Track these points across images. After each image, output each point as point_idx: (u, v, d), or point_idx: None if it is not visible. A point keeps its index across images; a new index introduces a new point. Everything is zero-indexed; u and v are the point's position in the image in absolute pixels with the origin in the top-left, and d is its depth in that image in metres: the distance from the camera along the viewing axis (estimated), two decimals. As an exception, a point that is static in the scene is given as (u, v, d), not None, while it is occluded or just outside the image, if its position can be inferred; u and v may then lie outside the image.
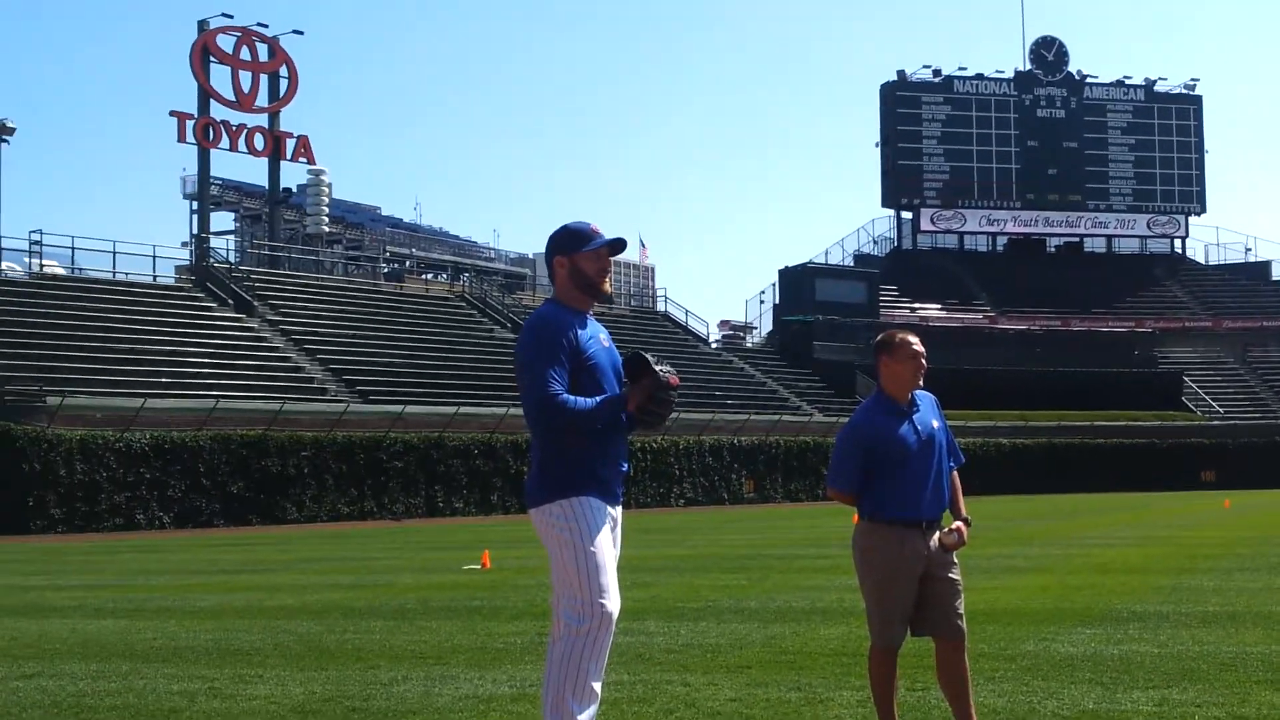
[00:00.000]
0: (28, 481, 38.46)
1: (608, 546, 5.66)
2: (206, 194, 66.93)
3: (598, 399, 5.59)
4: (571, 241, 5.79)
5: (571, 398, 5.54)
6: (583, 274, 5.76)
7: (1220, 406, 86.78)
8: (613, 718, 7.29)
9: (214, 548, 29.11)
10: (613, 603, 5.60)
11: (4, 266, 54.84)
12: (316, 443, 45.69)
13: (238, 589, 17.21)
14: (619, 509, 5.83)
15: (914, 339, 6.55)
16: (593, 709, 5.56)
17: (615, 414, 5.63)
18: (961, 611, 6.44)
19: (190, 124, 62.69)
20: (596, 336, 5.78)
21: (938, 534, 6.43)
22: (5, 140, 56.23)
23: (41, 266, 54.96)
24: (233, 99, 64.37)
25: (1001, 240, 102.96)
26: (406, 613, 13.55)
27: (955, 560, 6.50)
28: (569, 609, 5.58)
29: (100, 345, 48.35)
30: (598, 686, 5.58)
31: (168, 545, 30.87)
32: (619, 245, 5.80)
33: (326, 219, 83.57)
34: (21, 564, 24.31)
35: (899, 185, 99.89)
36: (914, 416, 6.44)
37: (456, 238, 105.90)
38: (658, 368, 5.71)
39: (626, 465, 5.86)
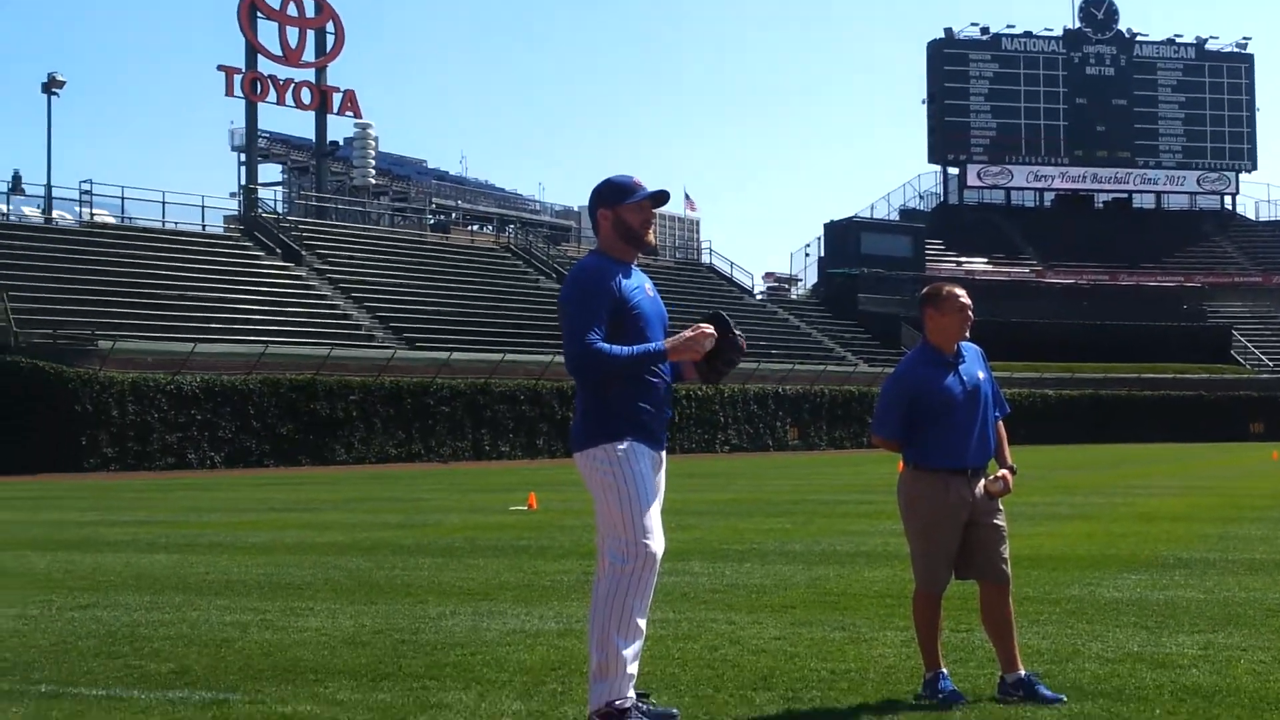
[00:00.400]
0: (81, 421, 38.94)
1: (651, 489, 5.71)
2: (254, 147, 67.16)
3: (635, 349, 5.63)
4: (615, 194, 5.83)
5: (609, 347, 5.59)
6: (627, 225, 5.79)
7: (1270, 360, 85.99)
8: (658, 653, 7.37)
9: (264, 487, 29.42)
10: (657, 543, 5.65)
11: (56, 215, 55.33)
12: (364, 387, 46.02)
13: (288, 526, 17.42)
14: (663, 453, 5.88)
15: (961, 292, 6.56)
16: (638, 644, 5.62)
17: (653, 364, 5.69)
18: (1006, 556, 6.48)
19: (238, 78, 62.87)
20: (642, 286, 5.83)
21: (983, 481, 6.47)
22: (56, 93, 56.51)
23: (92, 215, 55.38)
24: (279, 54, 64.45)
25: (1049, 196, 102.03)
26: (454, 551, 13.69)
27: (1000, 507, 6.54)
28: (614, 549, 5.64)
29: (150, 292, 48.73)
30: (643, 623, 5.64)
31: (219, 484, 31.23)
32: (662, 197, 5.84)
33: (373, 171, 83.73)
34: (76, 500, 24.67)
35: (945, 141, 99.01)
36: (960, 367, 6.47)
37: (502, 190, 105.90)
38: (735, 332, 5.81)
39: (670, 411, 5.91)
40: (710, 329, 5.77)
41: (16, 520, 19.56)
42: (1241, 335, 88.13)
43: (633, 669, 5.58)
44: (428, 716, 5.97)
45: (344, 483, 31.74)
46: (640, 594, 5.60)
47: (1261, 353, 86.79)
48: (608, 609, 5.58)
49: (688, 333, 5.75)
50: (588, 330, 5.58)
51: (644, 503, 5.64)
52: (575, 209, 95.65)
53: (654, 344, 5.70)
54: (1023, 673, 6.30)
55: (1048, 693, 6.19)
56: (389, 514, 19.95)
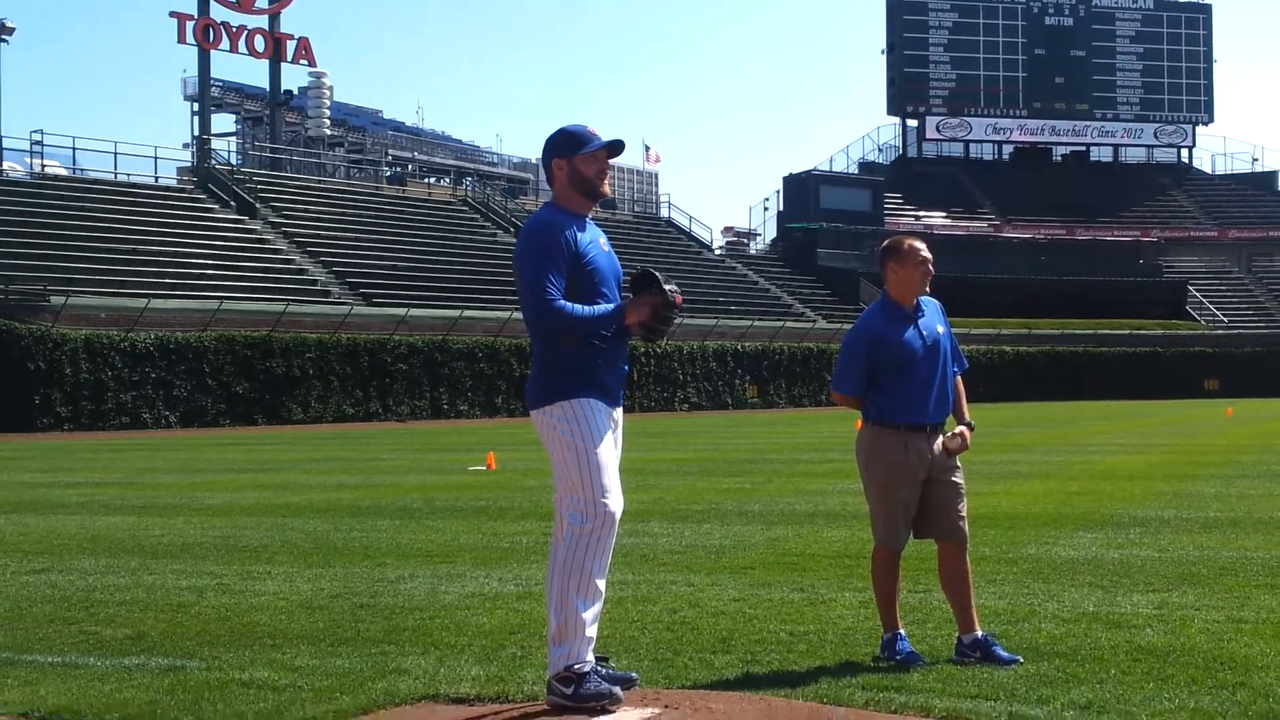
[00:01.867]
0: (33, 380, 38.59)
1: (609, 447, 5.66)
2: (207, 96, 66.49)
3: (595, 309, 5.58)
4: (570, 144, 5.74)
5: (569, 305, 5.53)
6: (581, 176, 5.71)
7: (1225, 316, 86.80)
8: (618, 616, 7.36)
9: (220, 447, 29.28)
10: (615, 502, 5.61)
11: (5, 166, 54.67)
12: (321, 344, 45.79)
13: (245, 487, 17.34)
14: (620, 411, 5.83)
15: (922, 245, 6.55)
16: (597, 606, 5.60)
17: (611, 326, 5.63)
18: (964, 514, 6.49)
19: (190, 25, 62.15)
20: (596, 240, 5.75)
21: (941, 438, 6.47)
22: (5, 40, 55.76)
23: (43, 167, 54.80)
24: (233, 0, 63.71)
25: (1007, 149, 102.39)
26: (413, 512, 13.66)
27: (958, 464, 6.54)
28: (572, 509, 5.59)
29: (103, 246, 48.29)
30: (602, 584, 5.61)
31: (174, 444, 31.06)
32: (617, 147, 5.75)
33: (328, 122, 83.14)
34: (29, 461, 24.48)
35: (904, 93, 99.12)
36: (919, 321, 6.46)
37: (459, 142, 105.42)
38: (666, 286, 5.71)
39: (627, 367, 5.86)
40: (651, 297, 5.69)
41: (-31, 481, 19.36)
42: (1197, 290, 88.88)
43: (591, 631, 5.55)
44: (386, 682, 5.94)
45: (301, 442, 31.62)
46: (599, 555, 5.57)
47: (1217, 308, 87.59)
48: (566, 570, 5.54)
49: (641, 310, 5.67)
50: (546, 287, 5.51)
51: (602, 461, 5.58)
52: (533, 161, 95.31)
53: (613, 306, 5.64)
54: (979, 633, 6.32)
55: (1004, 653, 6.22)
56: (346, 475, 19.88)
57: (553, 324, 5.53)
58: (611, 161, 5.88)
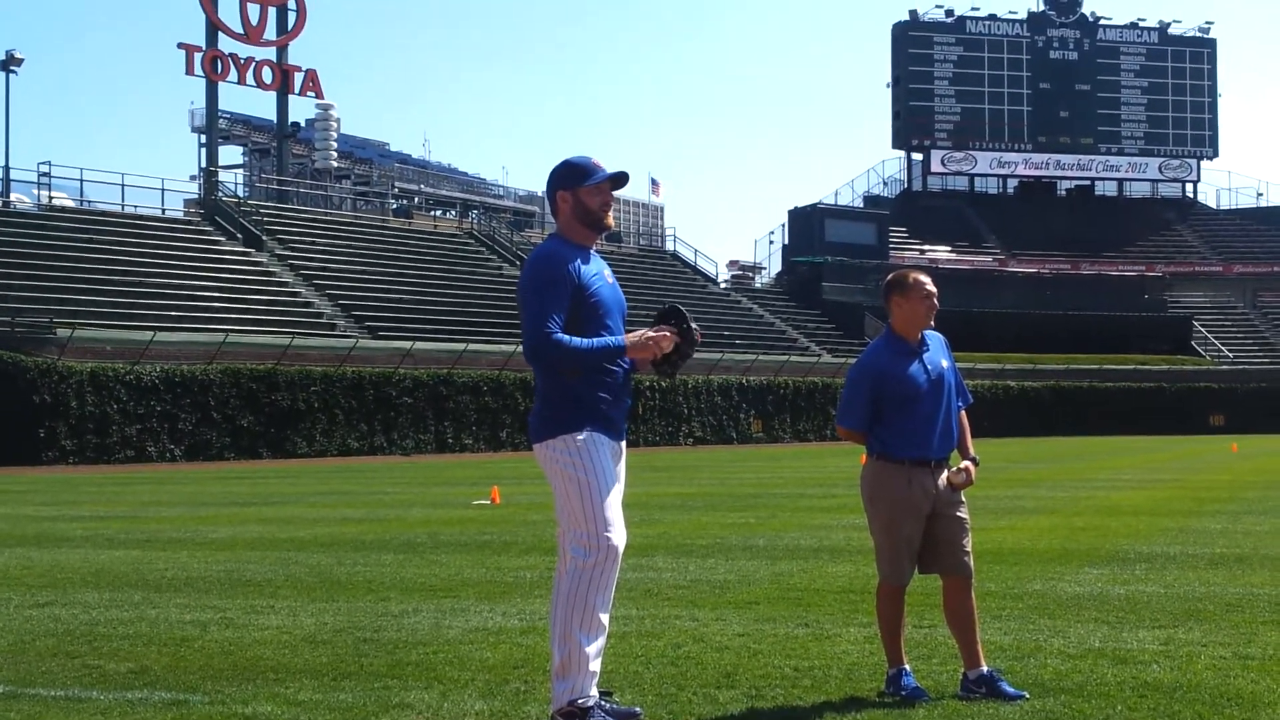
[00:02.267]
0: (39, 413, 38.58)
1: (612, 480, 5.65)
2: (215, 127, 66.71)
3: (595, 342, 5.57)
4: (574, 176, 5.76)
5: (568, 339, 5.53)
6: (585, 208, 5.73)
7: (1230, 351, 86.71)
8: (622, 651, 7.35)
9: (225, 480, 29.26)
10: (618, 536, 5.60)
11: (13, 198, 54.83)
12: (326, 378, 45.80)
13: (249, 521, 17.32)
14: (623, 444, 5.83)
15: (926, 279, 6.56)
16: (600, 641, 5.58)
17: (612, 359, 5.63)
18: (969, 549, 6.48)
19: (198, 56, 62.39)
20: (600, 273, 5.76)
21: (946, 473, 6.46)
22: (14, 71, 55.99)
23: (50, 198, 54.91)
24: (241, 31, 63.99)
25: (1012, 183, 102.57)
26: (417, 546, 13.64)
27: (963, 499, 6.54)
28: (574, 543, 5.59)
29: (109, 278, 48.39)
30: (605, 619, 5.60)
31: (179, 477, 31.04)
32: (621, 179, 5.79)
33: (335, 154, 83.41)
34: (34, 494, 24.47)
35: (909, 126, 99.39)
36: (924, 356, 6.46)
37: (465, 174, 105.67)
38: (690, 325, 5.76)
39: (630, 400, 5.86)
40: (669, 334, 5.72)
41: (-26, 513, 19.34)
42: (1202, 325, 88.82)
43: (595, 666, 5.54)
44: (390, 717, 5.93)
45: (305, 476, 31.60)
46: (602, 589, 5.56)
47: (1222, 344, 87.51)
48: (569, 604, 5.53)
49: (648, 333, 5.70)
50: (546, 319, 5.52)
51: (605, 494, 5.58)
52: (539, 194, 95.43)
53: (614, 339, 5.63)
54: (985, 669, 6.31)
55: (1010, 689, 6.20)
56: (350, 508, 19.86)
57: (550, 356, 5.53)
58: (617, 194, 5.91)
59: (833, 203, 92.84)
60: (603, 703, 5.57)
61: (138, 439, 40.74)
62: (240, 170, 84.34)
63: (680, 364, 5.83)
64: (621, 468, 5.80)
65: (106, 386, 40.18)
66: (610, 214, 5.87)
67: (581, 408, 5.62)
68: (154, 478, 31.35)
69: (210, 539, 14.79)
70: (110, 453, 39.90)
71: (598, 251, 5.91)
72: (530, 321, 5.55)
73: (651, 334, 5.68)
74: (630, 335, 5.69)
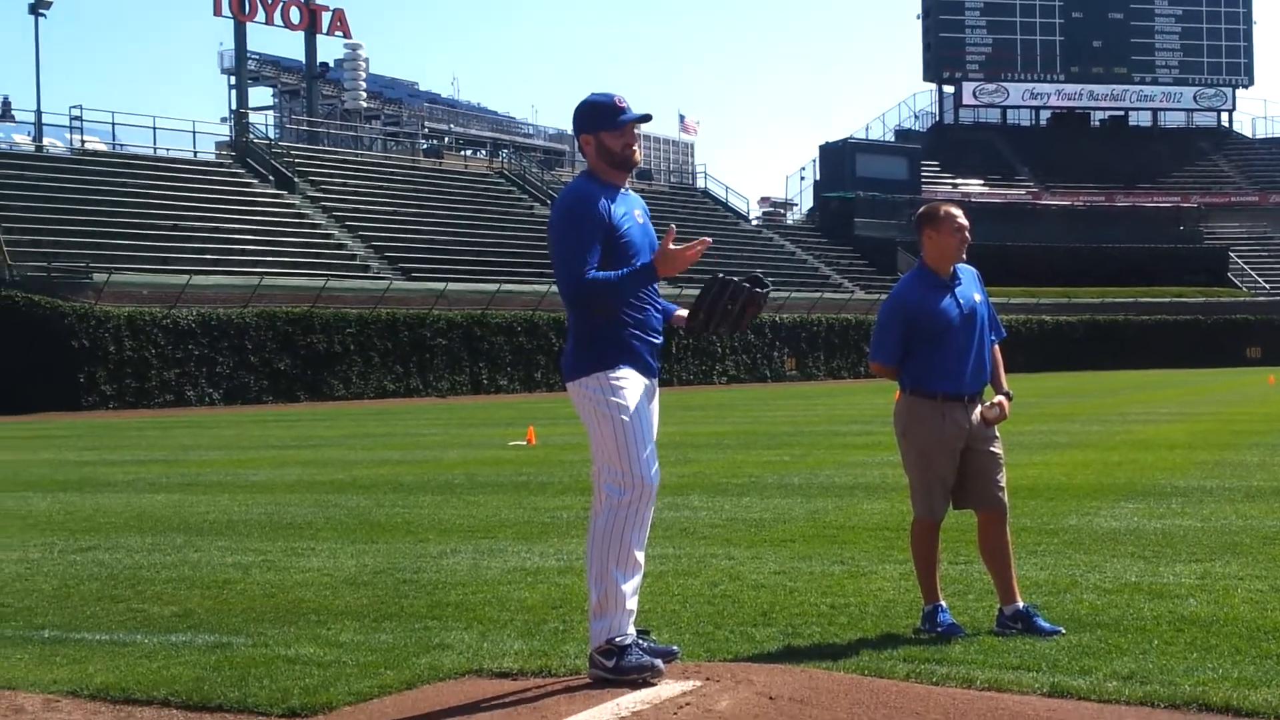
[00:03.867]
0: (77, 358, 38.90)
1: (647, 419, 5.64)
2: (244, 69, 66.70)
3: (624, 271, 5.53)
4: (595, 119, 5.68)
5: (601, 275, 5.51)
6: (610, 151, 5.66)
7: (1266, 282, 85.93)
8: (658, 590, 7.39)
9: (264, 424, 29.46)
10: (653, 474, 5.60)
11: (46, 142, 54.98)
12: (361, 320, 45.98)
13: (288, 464, 17.46)
14: (656, 381, 5.80)
15: (958, 212, 6.52)
16: (637, 579, 5.60)
17: (644, 284, 5.59)
18: (1003, 484, 6.47)
19: (226, -3, 62.25)
20: (631, 213, 5.70)
21: (979, 408, 6.45)
22: (43, 14, 56.04)
23: (83, 143, 55.02)
24: (268, -30, 63.80)
25: (1045, 114, 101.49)
26: (454, 488, 13.73)
27: (997, 434, 6.53)
28: (610, 481, 5.58)
29: (144, 222, 48.56)
30: (641, 557, 5.62)
31: (218, 421, 31.27)
32: (643, 120, 5.70)
33: (364, 94, 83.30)
34: (75, 439, 24.71)
35: (940, 58, 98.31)
36: (956, 290, 6.43)
37: (495, 114, 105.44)
38: (762, 287, 5.64)
39: (661, 339, 5.82)
40: (697, 247, 5.55)
41: (15, 461, 19.59)
42: (1238, 257, 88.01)
43: (632, 604, 5.55)
44: (430, 657, 5.99)
45: (342, 418, 31.80)
46: (638, 527, 5.57)
47: (1258, 274, 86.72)
48: (605, 543, 5.54)
49: (673, 246, 5.54)
50: (579, 259, 5.49)
51: (640, 432, 5.57)
52: (569, 133, 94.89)
53: (636, 268, 5.56)
54: (1021, 604, 6.32)
55: (1046, 625, 6.21)
56: (388, 450, 19.99)
57: (587, 295, 5.51)
58: (648, 132, 5.84)
59: (864, 137, 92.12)
60: (640, 641, 5.61)
61: (176, 383, 41.05)
62: (270, 112, 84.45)
63: (727, 322, 5.68)
64: (655, 405, 5.78)
65: (144, 331, 40.46)
66: (637, 152, 5.80)
67: (613, 345, 5.60)
68: (193, 421, 31.60)
69: (250, 482, 14.92)
70: (149, 397, 40.23)
71: (630, 188, 5.85)
72: (563, 264, 5.53)
73: (675, 247, 5.57)
74: (657, 254, 5.59)
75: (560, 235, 5.56)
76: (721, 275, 5.75)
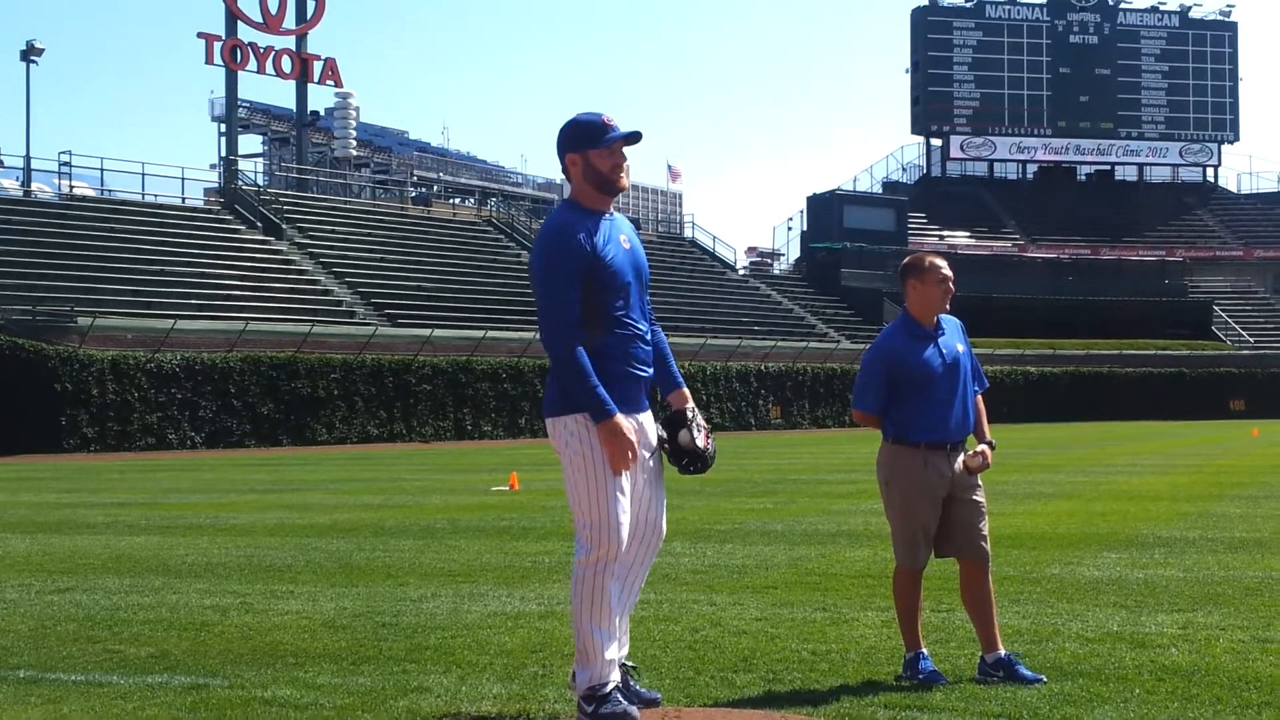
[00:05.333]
0: (60, 401, 38.75)
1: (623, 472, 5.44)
2: (235, 116, 66.79)
3: (588, 385, 5.27)
4: (583, 137, 5.47)
5: (577, 357, 5.27)
6: (596, 171, 5.45)
7: (1250, 336, 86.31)
8: (640, 635, 7.35)
9: (245, 467, 29.36)
10: (621, 534, 5.38)
11: (34, 187, 55.01)
12: (346, 365, 45.91)
13: (269, 508, 17.39)
14: (647, 415, 5.62)
15: (942, 263, 6.55)
16: (613, 630, 5.44)
17: (589, 408, 5.31)
18: (985, 533, 6.47)
19: (218, 45, 62.42)
20: (616, 239, 5.48)
21: (962, 456, 6.45)
22: (34, 60, 56.17)
23: (71, 188, 55.06)
24: (260, 20, 63.98)
25: (1031, 168, 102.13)
26: (435, 532, 13.67)
27: (979, 483, 6.53)
28: (579, 535, 5.43)
29: (130, 267, 48.53)
30: (619, 605, 5.47)
31: (199, 465, 31.15)
32: (634, 138, 5.51)
33: (354, 142, 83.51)
34: (55, 482, 24.58)
35: (929, 112, 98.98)
36: (939, 340, 6.45)
37: (484, 162, 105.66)
38: (682, 437, 5.58)
39: (649, 370, 5.62)
40: (632, 454, 5.39)
41: (-4, 501, 19.45)
42: (1223, 310, 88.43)
43: (612, 654, 5.48)
44: (408, 700, 5.95)
45: (325, 463, 31.70)
46: (611, 580, 5.42)
47: (1242, 328, 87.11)
48: (579, 598, 5.44)
49: (632, 439, 5.37)
50: (557, 303, 5.30)
51: (614, 484, 5.37)
52: (558, 182, 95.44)
53: (607, 406, 5.31)
54: (1003, 653, 6.30)
55: (1028, 673, 6.20)
56: (370, 495, 19.92)
57: (554, 351, 5.34)
58: (636, 182, 5.75)
59: (851, 189, 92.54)
60: (620, 688, 5.53)
61: (158, 427, 40.90)
62: (260, 159, 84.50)
63: (692, 463, 5.63)
64: (648, 437, 5.59)
65: (127, 374, 40.35)
66: (624, 175, 5.58)
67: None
68: (175, 465, 31.48)
69: (230, 525, 14.85)
70: (131, 440, 40.07)
71: (617, 212, 5.65)
72: (545, 311, 5.35)
73: (617, 448, 5.35)
74: (619, 424, 5.33)
75: (540, 276, 5.39)
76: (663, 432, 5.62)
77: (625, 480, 5.44)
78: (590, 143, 5.47)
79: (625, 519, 5.43)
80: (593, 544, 5.40)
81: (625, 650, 5.67)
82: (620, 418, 5.35)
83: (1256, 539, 12.09)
